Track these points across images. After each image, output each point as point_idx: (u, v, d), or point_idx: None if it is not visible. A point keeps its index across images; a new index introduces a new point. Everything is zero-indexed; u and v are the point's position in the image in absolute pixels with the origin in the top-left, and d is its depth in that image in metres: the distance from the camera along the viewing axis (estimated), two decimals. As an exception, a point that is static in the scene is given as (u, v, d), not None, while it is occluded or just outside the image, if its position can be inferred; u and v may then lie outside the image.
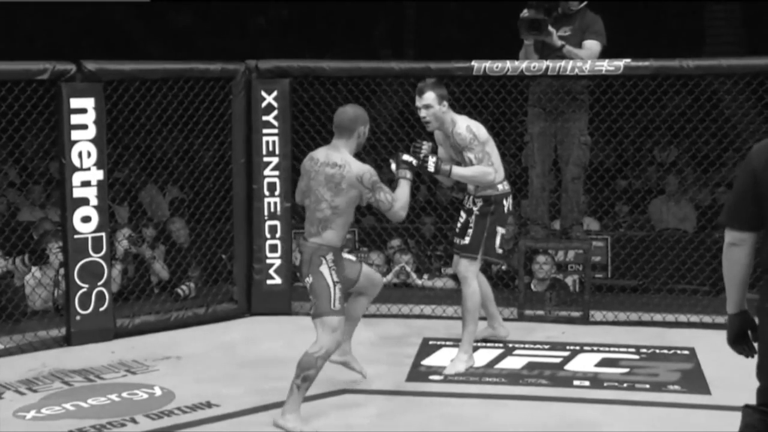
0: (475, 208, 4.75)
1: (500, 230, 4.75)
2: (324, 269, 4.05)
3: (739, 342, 2.91)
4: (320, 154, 4.13)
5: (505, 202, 4.76)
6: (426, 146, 4.53)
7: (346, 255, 4.32)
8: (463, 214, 4.82)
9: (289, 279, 5.81)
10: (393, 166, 4.35)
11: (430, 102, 4.60)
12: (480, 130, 4.67)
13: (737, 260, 2.82)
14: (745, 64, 5.59)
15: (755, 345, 2.91)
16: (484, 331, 5.15)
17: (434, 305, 5.68)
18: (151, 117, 6.02)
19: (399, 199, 4.11)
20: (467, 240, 4.73)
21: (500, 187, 4.74)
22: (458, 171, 4.62)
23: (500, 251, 4.80)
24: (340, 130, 4.11)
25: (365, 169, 4.04)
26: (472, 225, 4.74)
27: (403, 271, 6.42)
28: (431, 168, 4.53)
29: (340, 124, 4.11)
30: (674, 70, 5.40)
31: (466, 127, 4.63)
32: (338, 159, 4.06)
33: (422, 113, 4.63)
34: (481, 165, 4.62)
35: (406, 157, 4.32)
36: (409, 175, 4.24)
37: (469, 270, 4.70)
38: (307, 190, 4.14)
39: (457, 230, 4.83)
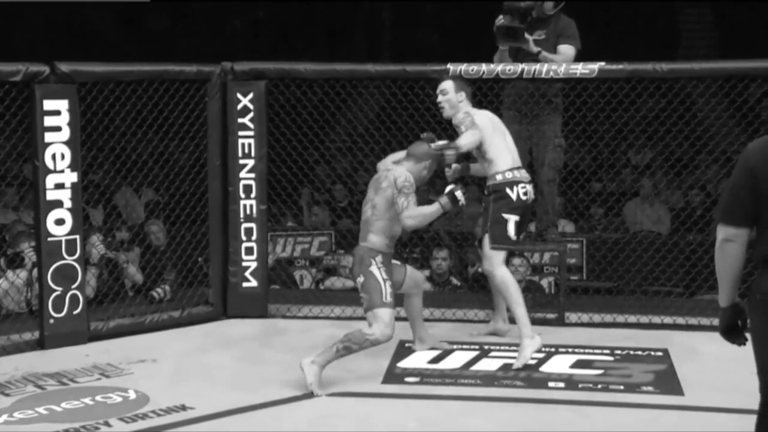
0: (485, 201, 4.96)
1: (510, 217, 4.84)
2: (374, 269, 4.48)
3: (731, 332, 2.98)
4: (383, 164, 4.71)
5: (509, 190, 4.84)
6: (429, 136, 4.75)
7: (392, 261, 4.69)
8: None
9: (265, 282, 5.80)
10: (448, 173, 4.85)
11: (446, 88, 4.91)
12: (481, 118, 4.85)
13: (732, 256, 2.88)
14: (717, 68, 5.65)
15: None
16: (485, 328, 5.30)
17: (410, 307, 5.68)
18: (126, 119, 5.99)
19: (414, 212, 4.44)
20: (480, 233, 4.92)
21: (499, 177, 4.86)
22: (460, 141, 4.70)
23: (514, 238, 4.88)
24: (411, 156, 4.60)
25: (404, 174, 4.48)
26: (482, 216, 4.94)
27: (380, 273, 6.41)
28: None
29: (412, 152, 4.61)
30: (648, 73, 5.44)
31: (465, 111, 4.84)
32: (391, 165, 4.63)
33: (438, 98, 4.93)
34: (466, 133, 4.75)
35: (458, 194, 4.47)
36: (444, 201, 4.45)
37: (491, 262, 4.82)
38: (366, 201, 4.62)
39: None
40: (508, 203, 4.83)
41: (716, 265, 2.93)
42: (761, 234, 2.85)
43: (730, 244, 2.87)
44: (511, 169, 4.87)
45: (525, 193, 4.88)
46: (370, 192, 4.59)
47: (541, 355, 4.93)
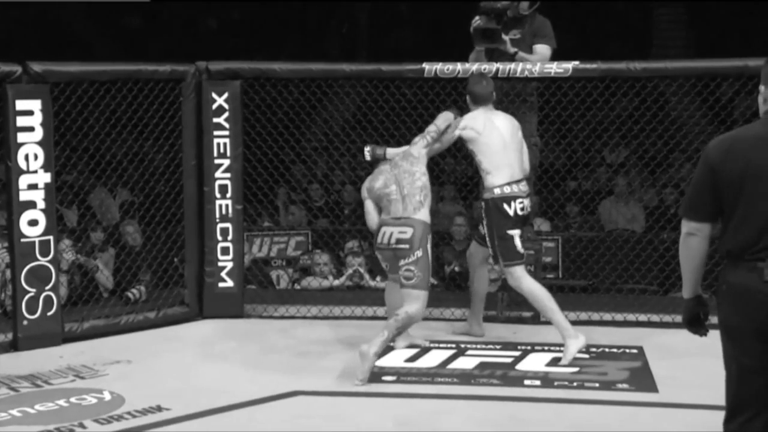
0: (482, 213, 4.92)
1: (514, 232, 4.84)
2: (430, 248, 4.56)
3: (693, 323, 3.08)
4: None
5: (507, 206, 4.82)
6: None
7: None
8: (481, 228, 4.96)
9: (241, 282, 5.78)
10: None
11: None
12: (475, 122, 4.87)
13: (694, 249, 2.98)
14: (690, 67, 5.68)
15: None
16: (460, 328, 5.30)
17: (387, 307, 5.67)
18: (100, 119, 5.95)
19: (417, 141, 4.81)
20: (491, 251, 4.90)
21: (497, 191, 4.84)
22: (390, 151, 4.86)
23: (522, 251, 4.89)
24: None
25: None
26: (486, 233, 4.89)
27: (357, 273, 6.43)
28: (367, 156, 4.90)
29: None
30: (621, 72, 5.47)
31: (458, 116, 4.90)
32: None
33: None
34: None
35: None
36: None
37: (513, 277, 4.85)
38: (394, 179, 4.64)
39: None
40: (508, 220, 4.83)
41: (680, 258, 3.04)
42: (724, 228, 2.93)
43: (692, 238, 2.97)
44: (508, 183, 4.84)
45: (522, 209, 4.88)
46: (411, 168, 4.63)
47: (517, 353, 4.95)
